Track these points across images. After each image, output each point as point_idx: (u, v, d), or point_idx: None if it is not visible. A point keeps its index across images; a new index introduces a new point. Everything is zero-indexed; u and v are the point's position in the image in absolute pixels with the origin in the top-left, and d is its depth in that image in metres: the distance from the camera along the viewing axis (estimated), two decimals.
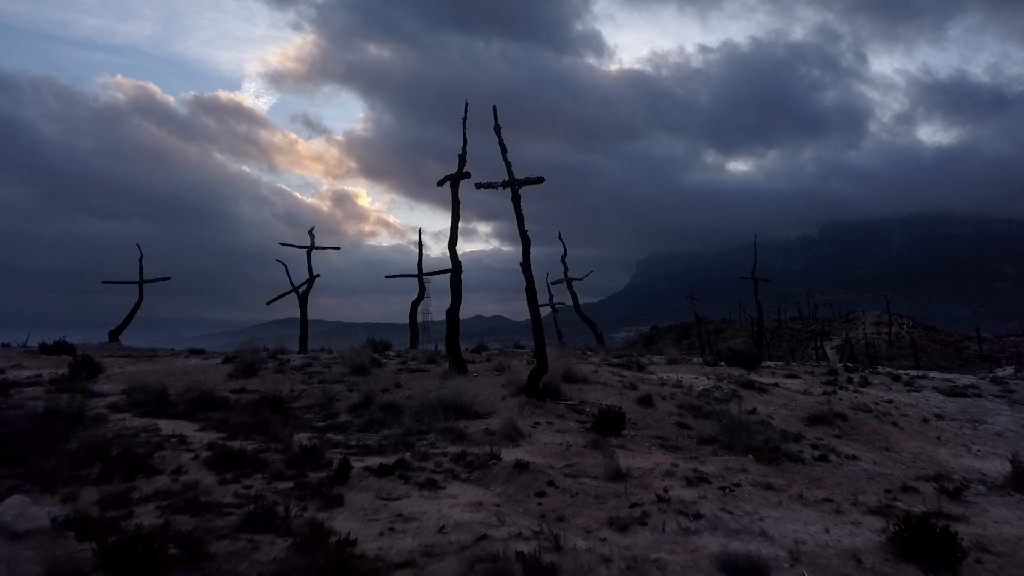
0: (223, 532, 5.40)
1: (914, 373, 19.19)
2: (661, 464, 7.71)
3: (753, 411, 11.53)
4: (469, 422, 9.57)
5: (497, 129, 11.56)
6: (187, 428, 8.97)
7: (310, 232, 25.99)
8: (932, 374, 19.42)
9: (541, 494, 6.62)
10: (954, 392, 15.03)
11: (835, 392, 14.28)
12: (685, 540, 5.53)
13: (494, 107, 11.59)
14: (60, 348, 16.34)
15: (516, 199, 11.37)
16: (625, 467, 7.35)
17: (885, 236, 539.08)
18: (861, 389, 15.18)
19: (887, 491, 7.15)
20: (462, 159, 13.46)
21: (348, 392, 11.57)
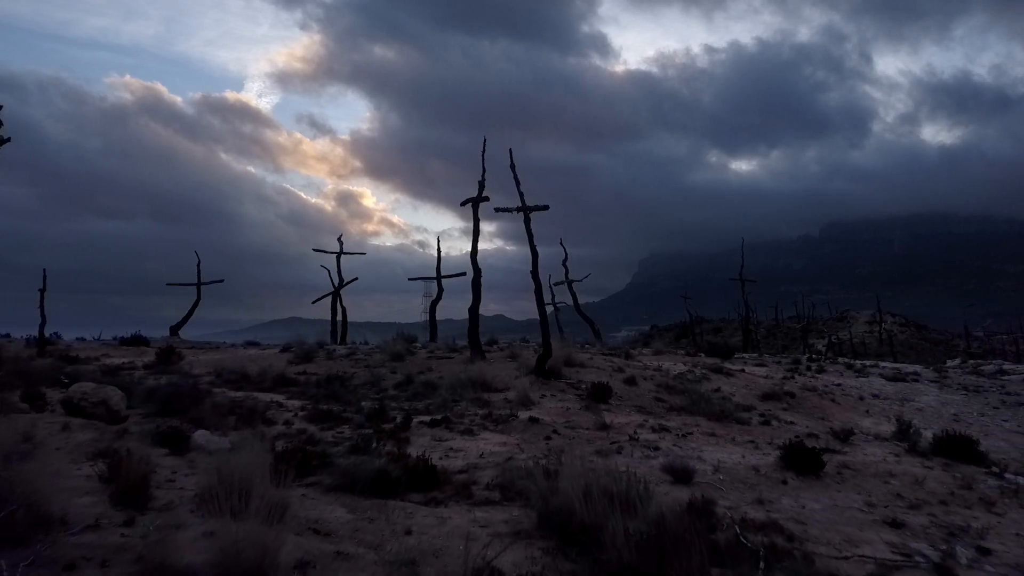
0: (338, 455, 8.17)
1: (868, 363, 21.88)
2: (635, 420, 10.48)
3: (718, 389, 14.26)
4: (491, 394, 12.33)
5: (512, 167, 14.29)
6: (278, 397, 11.75)
7: (339, 239, 28.89)
8: (883, 364, 22.11)
9: (548, 438, 9.38)
10: (896, 378, 17.71)
11: (792, 377, 16.99)
12: (646, 461, 8.30)
13: (510, 150, 14.34)
14: (136, 340, 19.15)
15: (527, 221, 14.14)
16: (609, 422, 10.14)
17: (887, 235, 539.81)
18: (817, 375, 17.89)
19: (796, 436, 9.87)
20: (481, 185, 16.11)
21: (391, 374, 14.34)
